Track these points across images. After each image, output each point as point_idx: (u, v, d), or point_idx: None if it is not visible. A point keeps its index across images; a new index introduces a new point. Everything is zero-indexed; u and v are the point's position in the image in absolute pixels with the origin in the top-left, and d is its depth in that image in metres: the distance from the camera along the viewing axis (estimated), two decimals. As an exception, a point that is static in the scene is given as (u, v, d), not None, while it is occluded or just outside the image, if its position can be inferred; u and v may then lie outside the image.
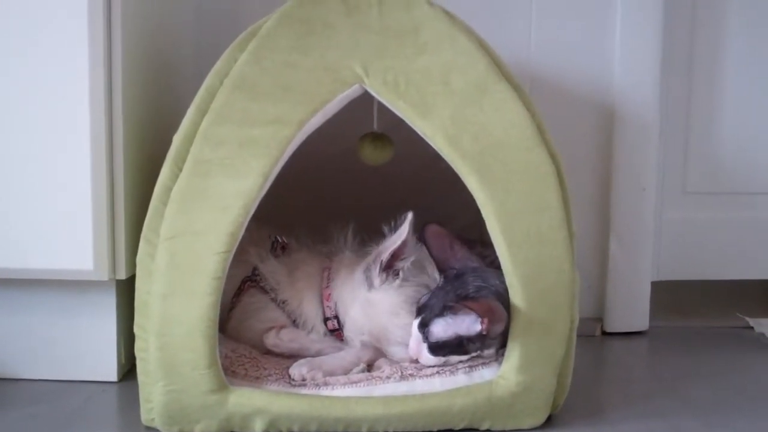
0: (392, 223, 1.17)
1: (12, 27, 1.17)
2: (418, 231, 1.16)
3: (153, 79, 1.32)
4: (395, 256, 1.18)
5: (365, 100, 1.15)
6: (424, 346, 1.11)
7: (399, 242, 1.16)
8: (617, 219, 1.56)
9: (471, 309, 1.05)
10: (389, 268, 1.18)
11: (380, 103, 1.14)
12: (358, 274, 1.21)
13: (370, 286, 1.19)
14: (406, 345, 1.14)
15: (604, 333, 1.59)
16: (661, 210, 1.63)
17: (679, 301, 1.73)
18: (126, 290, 1.25)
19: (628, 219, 1.56)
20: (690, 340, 1.56)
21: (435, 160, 1.11)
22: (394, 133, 1.27)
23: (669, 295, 1.69)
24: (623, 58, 1.53)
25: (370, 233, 1.22)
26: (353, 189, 1.43)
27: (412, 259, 1.17)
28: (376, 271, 1.18)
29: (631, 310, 1.58)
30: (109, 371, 1.27)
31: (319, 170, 1.37)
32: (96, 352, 1.26)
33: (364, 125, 1.29)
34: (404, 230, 1.15)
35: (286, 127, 1.08)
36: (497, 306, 1.06)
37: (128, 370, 1.30)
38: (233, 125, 1.09)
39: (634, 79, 1.53)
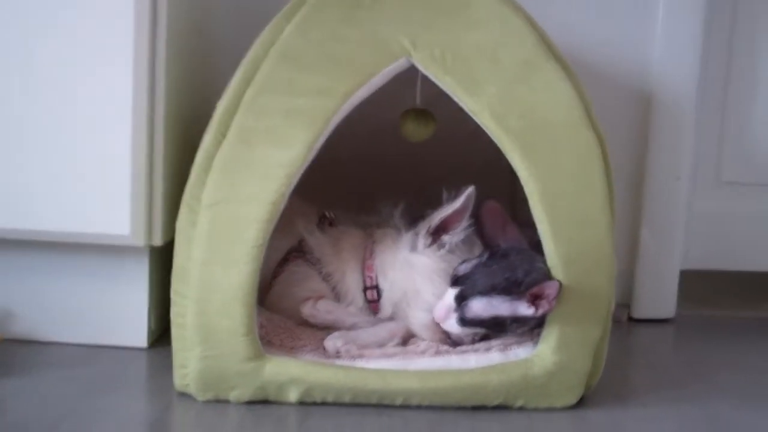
0: (453, 192, 1.17)
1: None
2: (475, 206, 1.16)
3: (194, 47, 1.32)
4: (446, 225, 1.18)
5: (408, 76, 1.15)
6: (455, 315, 1.11)
7: (451, 210, 1.16)
8: (650, 206, 1.55)
9: (533, 294, 1.05)
10: (437, 236, 1.19)
11: (422, 79, 1.13)
12: (405, 237, 1.21)
13: (413, 248, 1.20)
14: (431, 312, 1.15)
15: (631, 319, 1.58)
16: (693, 199, 1.62)
17: (707, 291, 1.73)
18: (159, 257, 1.26)
19: (660, 207, 1.55)
20: (716, 329, 1.55)
21: (473, 137, 1.11)
22: (434, 109, 1.26)
23: (697, 285, 1.68)
24: (663, 45, 1.52)
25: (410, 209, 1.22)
26: (393, 164, 1.42)
27: (461, 236, 1.18)
28: (423, 233, 1.19)
29: (659, 297, 1.58)
30: (140, 337, 1.27)
31: (360, 144, 1.37)
32: (127, 318, 1.26)
33: (406, 102, 1.28)
34: (459, 201, 1.16)
35: (332, 98, 1.08)
36: (556, 286, 1.05)
37: (158, 337, 1.30)
38: (278, 95, 1.08)
39: (673, 67, 1.52)
